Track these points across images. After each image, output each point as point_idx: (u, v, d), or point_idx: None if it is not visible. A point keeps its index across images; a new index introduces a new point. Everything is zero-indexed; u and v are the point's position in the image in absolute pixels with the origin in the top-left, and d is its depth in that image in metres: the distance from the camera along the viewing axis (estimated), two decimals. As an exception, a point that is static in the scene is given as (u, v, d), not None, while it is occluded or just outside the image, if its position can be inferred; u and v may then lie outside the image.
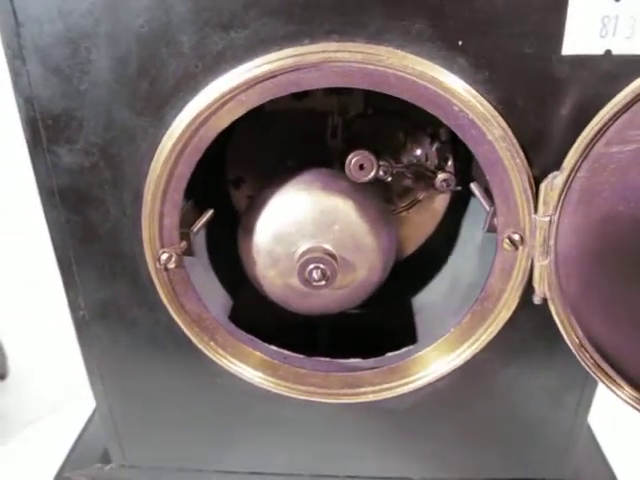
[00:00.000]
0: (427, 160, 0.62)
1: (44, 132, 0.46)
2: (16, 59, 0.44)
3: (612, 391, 0.48)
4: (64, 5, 0.42)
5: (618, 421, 0.85)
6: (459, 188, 0.60)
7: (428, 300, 0.65)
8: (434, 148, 0.61)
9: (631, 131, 0.41)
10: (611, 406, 0.73)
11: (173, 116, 0.45)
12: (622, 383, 0.47)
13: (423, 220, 0.68)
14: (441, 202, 0.67)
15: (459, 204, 0.66)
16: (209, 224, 0.57)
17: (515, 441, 0.60)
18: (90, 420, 0.73)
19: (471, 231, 0.62)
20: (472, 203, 0.64)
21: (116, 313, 0.54)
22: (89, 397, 0.80)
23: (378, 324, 0.67)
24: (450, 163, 0.63)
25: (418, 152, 0.62)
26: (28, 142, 0.47)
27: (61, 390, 1.04)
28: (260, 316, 0.61)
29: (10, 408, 1.02)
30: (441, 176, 0.59)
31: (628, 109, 0.40)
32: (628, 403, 0.47)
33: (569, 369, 0.54)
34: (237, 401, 0.59)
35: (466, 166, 0.62)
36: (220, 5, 0.41)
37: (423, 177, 0.63)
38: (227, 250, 0.63)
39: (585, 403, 0.57)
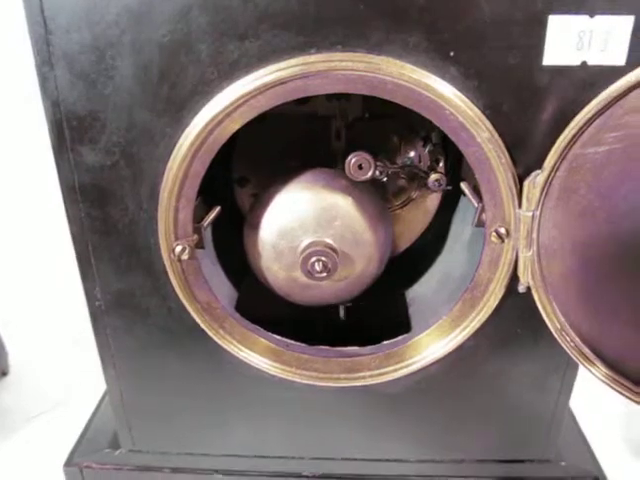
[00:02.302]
0: (420, 161, 0.66)
1: (68, 133, 0.50)
2: (45, 65, 0.48)
3: (589, 371, 0.52)
4: (91, 16, 0.46)
5: (595, 404, 0.91)
6: (450, 187, 0.65)
7: (421, 292, 0.69)
8: (426, 150, 0.66)
9: (604, 134, 0.46)
10: (590, 391, 0.79)
11: (190, 118, 0.49)
12: (598, 363, 0.52)
13: (416, 218, 0.72)
14: (433, 201, 0.72)
15: (450, 203, 0.71)
16: (214, 221, 0.61)
17: (503, 424, 0.64)
18: (98, 408, 0.76)
19: (461, 228, 0.67)
20: (461, 202, 0.68)
21: (131, 303, 0.58)
22: (90, 393, 0.83)
23: (374, 316, 0.71)
24: (441, 164, 0.68)
25: (412, 154, 0.66)
26: (53, 142, 0.51)
27: (62, 386, 1.06)
28: (262, 309, 0.65)
29: (12, 404, 1.03)
30: (433, 176, 0.63)
31: (601, 114, 0.45)
32: (603, 381, 0.52)
33: (552, 355, 0.58)
34: (243, 386, 0.62)
35: (456, 167, 0.66)
36: (236, 18, 0.45)
37: (416, 177, 0.67)
38: (231, 246, 0.67)
39: (567, 387, 0.61)
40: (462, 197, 0.67)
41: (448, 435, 0.65)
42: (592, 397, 0.86)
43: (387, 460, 0.67)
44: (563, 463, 0.67)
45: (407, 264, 0.74)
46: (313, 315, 0.70)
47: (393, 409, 0.63)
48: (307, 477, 0.67)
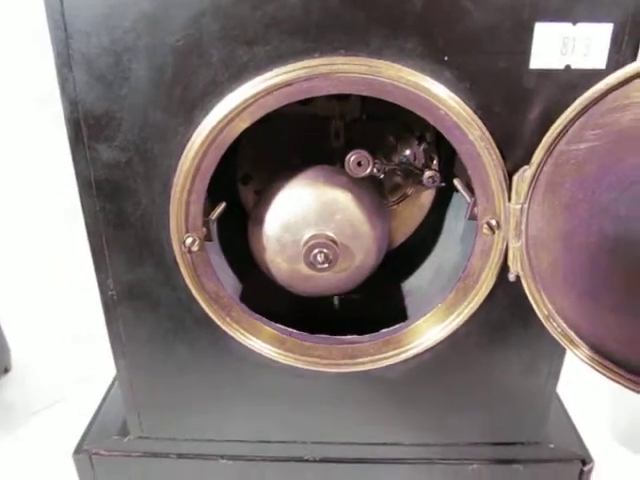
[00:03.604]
0: (415, 159, 0.70)
1: (86, 131, 0.53)
2: (64, 67, 0.50)
3: (574, 354, 0.56)
4: (110, 21, 0.49)
5: (584, 391, 0.96)
6: (443, 184, 0.68)
7: (416, 284, 0.73)
8: (421, 149, 0.69)
9: (586, 132, 0.49)
10: (578, 378, 0.83)
11: (202, 117, 0.52)
12: (582, 346, 0.56)
13: (412, 213, 0.76)
14: (428, 197, 0.75)
15: (444, 199, 0.75)
16: (219, 217, 0.64)
17: (494, 407, 0.68)
18: (106, 397, 0.79)
19: (454, 222, 0.70)
20: (454, 198, 0.72)
21: (142, 293, 0.61)
22: (91, 388, 0.85)
23: (372, 307, 0.74)
24: (435, 162, 0.71)
25: (407, 152, 0.70)
26: (70, 139, 0.53)
27: (64, 382, 1.08)
28: (265, 301, 0.68)
29: (14, 400, 1.05)
30: (428, 173, 0.66)
31: (583, 114, 0.48)
32: (587, 363, 0.55)
33: (541, 340, 0.61)
34: (248, 373, 0.65)
35: (449, 165, 0.70)
36: (245, 25, 0.49)
37: (412, 174, 0.71)
38: (235, 241, 0.70)
39: (555, 371, 0.65)
40: (455, 194, 0.70)
41: (442, 419, 0.68)
42: (580, 384, 0.91)
43: (384, 444, 0.70)
44: (551, 445, 0.71)
45: (403, 257, 0.78)
46: (314, 307, 0.73)
47: (390, 394, 0.67)
48: (308, 461, 0.70)
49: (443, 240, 0.73)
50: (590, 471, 0.71)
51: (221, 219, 0.66)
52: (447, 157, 0.70)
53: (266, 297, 0.69)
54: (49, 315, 1.20)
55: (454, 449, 0.70)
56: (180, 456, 0.71)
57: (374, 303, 0.74)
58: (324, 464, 0.71)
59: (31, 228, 1.21)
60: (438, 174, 0.66)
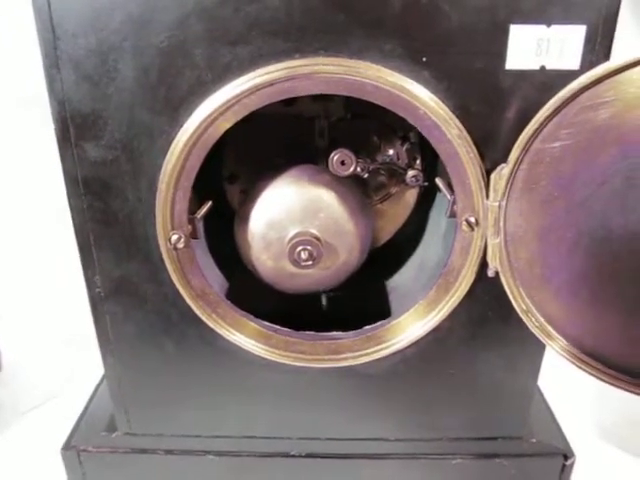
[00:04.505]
0: (398, 159, 0.71)
1: (73, 130, 0.54)
2: (52, 67, 0.51)
3: (552, 347, 0.57)
4: (96, 23, 0.50)
5: (565, 384, 0.97)
6: (426, 183, 0.69)
7: (400, 281, 0.74)
8: (404, 148, 0.70)
9: (561, 130, 0.50)
10: (560, 372, 0.84)
11: (186, 117, 0.53)
12: (559, 340, 0.57)
13: (396, 212, 0.77)
14: (411, 196, 0.77)
15: (427, 198, 0.76)
16: (206, 216, 0.65)
17: (476, 402, 0.69)
18: (95, 394, 0.80)
19: (437, 221, 0.72)
20: (438, 197, 0.73)
21: (129, 290, 0.61)
22: (81, 387, 0.86)
23: (357, 305, 0.75)
24: (418, 162, 0.72)
25: (391, 152, 0.71)
26: (58, 138, 0.54)
27: (54, 382, 1.09)
28: (251, 299, 0.69)
29: (5, 399, 1.05)
30: (411, 173, 0.68)
31: (558, 113, 0.50)
32: (563, 356, 0.57)
33: (521, 335, 0.61)
34: (234, 369, 0.66)
35: (433, 164, 0.71)
36: (228, 26, 0.50)
37: (395, 174, 0.72)
38: (221, 239, 0.71)
39: (535, 366, 0.66)
40: (438, 193, 0.72)
41: (425, 414, 0.70)
42: (564, 380, 0.92)
43: (369, 439, 0.71)
44: (533, 440, 0.72)
45: (388, 256, 0.79)
46: (299, 304, 0.74)
47: (375, 390, 0.68)
48: (294, 456, 0.71)
49: (426, 238, 0.74)
50: (572, 465, 0.73)
51: (208, 218, 0.67)
52: (430, 157, 0.71)
53: (252, 295, 0.70)
54: (39, 316, 1.20)
55: (438, 444, 0.71)
56: (168, 452, 0.72)
57: (359, 300, 0.75)
58: (310, 459, 0.71)
59: (21, 228, 1.21)
60: (421, 173, 0.68)
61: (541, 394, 0.80)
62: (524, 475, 0.73)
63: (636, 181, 0.50)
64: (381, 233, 0.79)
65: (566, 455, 0.72)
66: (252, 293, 0.70)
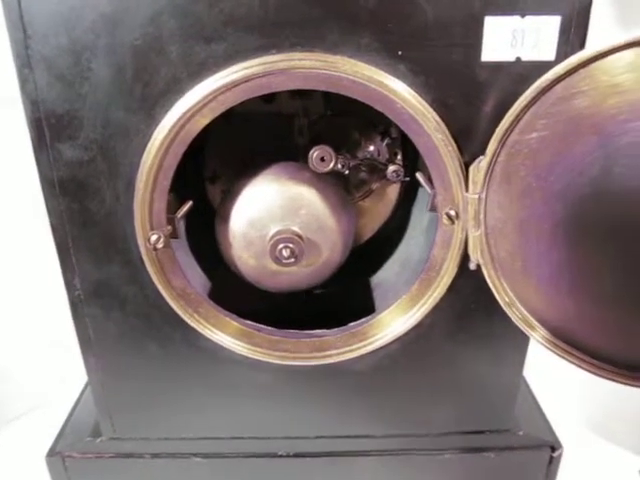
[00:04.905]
0: (379, 155, 0.71)
1: (47, 130, 0.53)
2: (24, 67, 0.51)
3: (534, 338, 0.57)
4: (69, 22, 0.49)
5: (553, 377, 0.98)
6: (407, 179, 0.69)
7: (384, 277, 0.74)
8: (385, 144, 0.70)
9: (538, 121, 0.51)
10: (547, 364, 0.84)
11: (163, 115, 0.52)
12: (539, 329, 0.57)
13: (378, 208, 0.77)
14: (393, 192, 0.77)
15: (410, 194, 0.76)
16: (186, 216, 0.65)
17: (462, 396, 0.69)
18: (79, 400, 0.79)
19: (419, 216, 0.71)
20: (420, 193, 0.73)
21: (109, 292, 0.61)
22: (68, 394, 0.85)
23: (341, 302, 0.75)
24: (399, 157, 0.72)
25: (371, 148, 0.71)
26: (32, 139, 0.54)
27: (41, 389, 1.08)
28: (233, 299, 0.68)
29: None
30: (391, 168, 0.68)
31: (534, 103, 0.50)
32: (544, 345, 0.57)
33: (504, 327, 0.61)
34: (218, 369, 0.66)
35: (414, 159, 0.71)
36: (203, 22, 0.50)
37: (376, 170, 0.72)
38: (204, 240, 0.70)
39: (519, 358, 0.66)
40: (420, 188, 0.72)
41: (411, 410, 0.69)
42: (551, 372, 0.93)
43: (355, 436, 0.71)
44: (521, 432, 0.72)
45: (371, 252, 0.79)
46: (283, 303, 0.74)
47: (359, 387, 0.67)
48: (281, 456, 0.71)
49: (409, 234, 0.74)
50: (559, 457, 0.73)
51: (190, 218, 0.67)
52: (411, 152, 0.71)
53: (235, 294, 0.69)
54: (25, 322, 1.19)
55: (426, 439, 0.71)
56: (154, 456, 0.71)
57: (343, 298, 0.75)
58: (298, 459, 0.71)
59: (4, 231, 1.20)
60: (402, 168, 0.68)
61: (527, 386, 0.80)
62: (512, 468, 0.73)
63: (613, 170, 0.50)
64: (364, 230, 0.79)
65: (553, 447, 0.72)
66: (235, 292, 0.70)
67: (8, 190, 1.07)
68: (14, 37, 0.50)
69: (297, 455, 0.71)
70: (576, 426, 1.03)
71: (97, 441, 0.71)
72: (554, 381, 1.03)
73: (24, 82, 0.51)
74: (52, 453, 0.71)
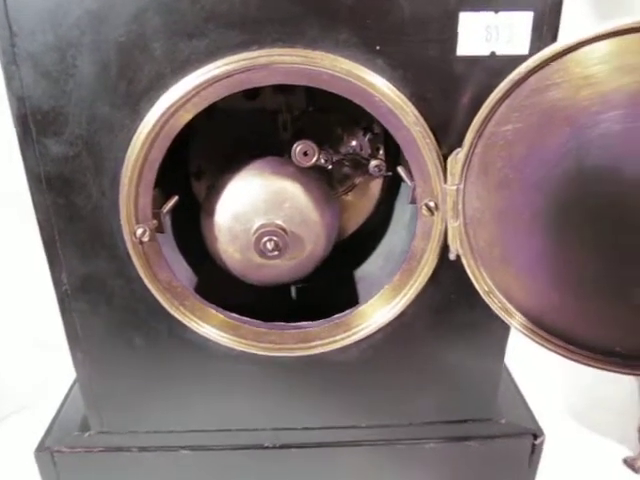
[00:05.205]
0: (361, 150, 0.72)
1: (33, 126, 0.54)
2: (10, 64, 0.52)
3: (514, 326, 0.59)
4: (54, 19, 0.50)
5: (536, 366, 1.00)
6: (390, 173, 0.71)
7: (368, 270, 0.76)
8: (367, 139, 0.72)
9: (512, 113, 0.52)
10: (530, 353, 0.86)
11: (147, 110, 0.54)
12: (520, 318, 0.59)
13: (361, 202, 0.78)
14: (376, 186, 0.78)
15: (393, 189, 0.77)
16: (173, 212, 0.66)
17: (445, 386, 0.70)
18: (68, 396, 0.79)
19: (402, 210, 0.73)
20: (403, 187, 0.75)
21: (96, 286, 0.62)
22: (55, 393, 0.85)
23: (326, 295, 0.77)
24: (381, 152, 0.74)
25: (353, 143, 0.72)
26: (19, 135, 0.55)
27: (28, 389, 1.08)
28: (219, 293, 0.69)
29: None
30: (373, 162, 0.69)
31: (508, 96, 0.51)
32: (524, 333, 0.58)
33: (485, 316, 0.62)
34: (204, 362, 0.66)
35: (396, 155, 0.73)
36: (185, 19, 0.51)
37: (359, 165, 0.73)
38: (190, 236, 0.71)
39: (500, 346, 0.68)
40: (403, 183, 0.73)
41: (396, 399, 0.71)
42: (535, 362, 0.96)
43: (342, 427, 0.72)
44: (503, 421, 0.74)
45: (355, 246, 0.80)
46: (269, 297, 0.75)
47: (344, 377, 0.69)
48: (268, 448, 0.72)
49: (393, 228, 0.75)
50: (542, 444, 0.74)
51: (176, 214, 0.68)
52: (393, 147, 0.73)
53: (221, 289, 0.70)
54: (7, 322, 1.19)
55: (410, 429, 0.73)
56: (141, 449, 0.72)
57: (328, 291, 0.76)
58: (285, 450, 0.72)
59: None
60: (384, 163, 0.69)
61: (510, 375, 0.82)
62: (496, 456, 0.75)
63: (586, 161, 0.52)
64: (348, 224, 0.80)
65: (535, 434, 0.73)
66: (221, 287, 0.71)
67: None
68: (0, 34, 0.51)
69: (283, 446, 0.72)
70: (560, 416, 1.05)
71: (85, 435, 0.72)
72: (538, 372, 1.06)
73: (10, 79, 0.52)
74: (41, 448, 0.72)
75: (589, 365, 0.59)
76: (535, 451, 0.74)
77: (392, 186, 0.78)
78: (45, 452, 0.71)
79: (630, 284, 0.54)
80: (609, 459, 0.96)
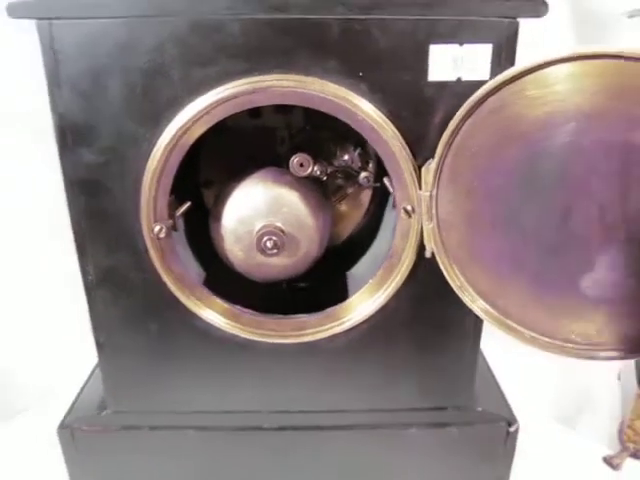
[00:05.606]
0: (352, 163, 0.81)
1: (70, 138, 0.64)
2: (53, 86, 0.62)
3: (484, 318, 0.67)
4: (89, 49, 0.60)
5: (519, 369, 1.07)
6: (378, 184, 0.80)
7: (358, 271, 0.84)
8: (357, 154, 0.81)
9: (475, 130, 0.61)
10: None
11: (165, 125, 0.63)
12: (489, 310, 0.67)
13: (352, 210, 0.88)
14: (366, 196, 0.88)
15: (382, 199, 0.86)
16: (185, 217, 0.75)
17: (426, 374, 0.78)
18: (88, 380, 0.88)
19: (390, 217, 0.82)
20: (391, 198, 0.83)
21: (117, 277, 0.71)
22: (68, 388, 0.93)
23: (320, 294, 0.85)
24: (370, 165, 0.83)
25: (346, 157, 0.81)
26: (58, 145, 0.64)
27: (43, 385, 1.17)
28: (225, 289, 0.78)
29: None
30: (363, 174, 0.78)
31: (470, 115, 0.60)
32: (492, 324, 0.66)
33: (459, 310, 0.70)
34: (210, 348, 0.75)
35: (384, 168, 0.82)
36: (199, 50, 0.61)
37: (350, 176, 0.83)
38: (200, 239, 0.80)
39: (474, 340, 0.75)
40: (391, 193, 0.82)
41: (380, 386, 0.78)
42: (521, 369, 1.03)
43: (332, 411, 0.80)
44: (480, 409, 0.81)
45: (348, 250, 0.89)
46: (270, 297, 0.84)
47: (333, 364, 0.77)
48: (266, 429, 0.80)
49: (381, 234, 0.84)
50: (516, 431, 0.81)
51: (189, 220, 0.77)
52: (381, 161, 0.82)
53: (227, 286, 0.79)
54: (30, 322, 1.27)
55: (395, 414, 0.80)
56: (152, 428, 0.80)
57: (322, 291, 0.84)
58: (280, 432, 0.80)
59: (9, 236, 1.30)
60: (372, 175, 0.78)
61: (488, 368, 0.89)
62: (473, 442, 0.82)
63: (538, 169, 0.61)
64: (342, 230, 0.89)
65: (510, 422, 0.81)
66: (226, 284, 0.79)
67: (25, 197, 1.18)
68: (47, 62, 0.61)
69: (280, 428, 0.80)
70: (547, 420, 1.12)
71: (102, 415, 0.80)
72: (527, 378, 1.13)
73: (53, 98, 0.62)
74: (62, 426, 0.80)
75: (550, 351, 0.67)
76: (509, 437, 0.81)
77: (381, 196, 0.87)
78: (66, 430, 0.80)
79: (574, 276, 0.62)
80: (593, 459, 1.01)
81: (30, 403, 1.13)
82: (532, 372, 1.16)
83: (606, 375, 1.16)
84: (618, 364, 1.10)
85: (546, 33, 1.14)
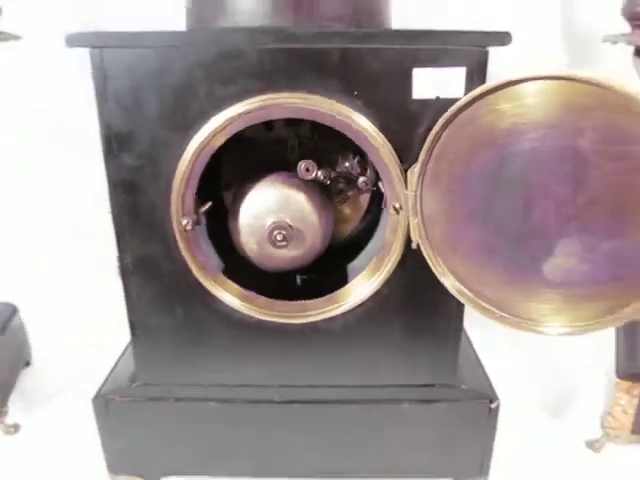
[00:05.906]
0: (352, 169, 0.93)
1: (115, 144, 0.77)
2: (102, 100, 0.74)
3: (464, 301, 0.77)
4: (131, 70, 0.73)
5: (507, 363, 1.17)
6: (375, 188, 0.91)
7: (358, 265, 0.95)
8: (356, 161, 0.92)
9: (451, 139, 0.72)
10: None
11: (193, 135, 0.75)
12: (466, 293, 0.77)
13: (353, 212, 1.00)
14: (365, 199, 1.00)
15: (379, 201, 0.98)
16: (207, 217, 0.87)
17: (415, 353, 0.88)
18: (122, 356, 1.00)
19: (386, 217, 0.93)
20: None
21: (149, 264, 0.83)
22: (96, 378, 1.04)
23: (324, 287, 0.96)
24: (368, 171, 0.95)
25: (346, 164, 0.92)
26: (104, 151, 0.77)
27: (76, 372, 1.28)
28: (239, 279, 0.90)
29: (34, 389, 1.25)
30: (361, 179, 0.90)
31: (447, 127, 0.71)
32: (471, 306, 0.76)
33: (442, 295, 0.79)
34: (228, 327, 0.87)
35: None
36: (222, 73, 0.73)
37: (351, 181, 0.94)
38: (219, 236, 0.93)
39: (457, 323, 0.86)
40: (387, 197, 0.93)
41: (375, 364, 0.89)
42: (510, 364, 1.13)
43: (332, 386, 0.90)
44: (464, 387, 0.91)
45: (349, 247, 1.01)
46: (281, 289, 0.95)
47: (334, 343, 0.87)
48: (277, 402, 0.91)
49: (378, 231, 0.96)
50: (497, 408, 0.91)
51: (210, 218, 0.89)
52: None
53: (243, 276, 0.91)
54: (66, 316, 1.40)
55: (388, 390, 0.90)
56: (177, 400, 0.91)
57: (325, 281, 0.96)
58: (288, 405, 0.91)
59: (48, 234, 1.44)
60: (369, 180, 0.90)
61: (473, 350, 1.00)
62: (458, 417, 0.92)
63: (505, 171, 0.71)
64: (343, 229, 1.01)
65: (491, 399, 0.91)
66: (242, 274, 0.91)
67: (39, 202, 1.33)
68: (97, 80, 0.74)
69: (289, 402, 0.91)
70: (535, 410, 1.20)
71: (132, 385, 0.92)
72: (515, 371, 1.22)
73: (101, 111, 0.75)
74: (97, 396, 0.92)
75: (522, 329, 0.77)
76: (491, 414, 0.91)
77: (378, 199, 0.98)
78: (100, 399, 0.91)
79: (538, 262, 0.73)
80: (576, 446, 1.10)
81: (64, 386, 1.24)
82: (519, 363, 1.26)
83: (592, 366, 1.25)
84: (605, 357, 1.17)
85: (540, 52, 1.27)
